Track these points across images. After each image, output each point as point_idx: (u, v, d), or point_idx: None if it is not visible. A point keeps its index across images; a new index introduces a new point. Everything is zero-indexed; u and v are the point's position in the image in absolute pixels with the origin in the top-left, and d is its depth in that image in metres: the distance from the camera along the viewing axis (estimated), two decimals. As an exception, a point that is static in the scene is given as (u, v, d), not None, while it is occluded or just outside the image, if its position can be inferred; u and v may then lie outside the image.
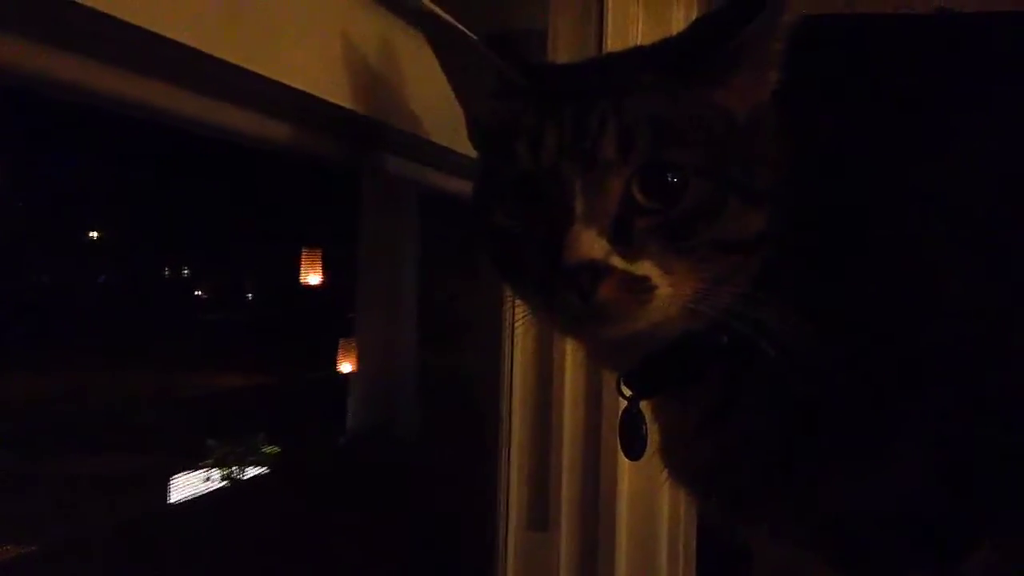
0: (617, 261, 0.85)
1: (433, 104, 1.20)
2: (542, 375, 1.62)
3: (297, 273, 8.75)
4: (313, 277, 8.59)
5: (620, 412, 1.11)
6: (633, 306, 0.86)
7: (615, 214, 0.86)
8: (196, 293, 25.50)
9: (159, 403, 8.90)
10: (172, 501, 6.54)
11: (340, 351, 6.98)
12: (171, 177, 13.86)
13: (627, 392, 1.08)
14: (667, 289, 0.86)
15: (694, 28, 0.99)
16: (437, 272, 4.58)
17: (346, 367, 6.60)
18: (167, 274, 25.23)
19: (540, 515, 1.61)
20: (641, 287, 0.85)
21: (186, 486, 6.71)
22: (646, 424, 1.09)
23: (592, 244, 0.85)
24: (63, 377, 9.86)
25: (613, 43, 1.54)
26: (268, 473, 6.75)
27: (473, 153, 1.07)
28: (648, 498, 1.63)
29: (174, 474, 6.81)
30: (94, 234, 21.50)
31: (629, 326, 0.88)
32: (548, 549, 1.60)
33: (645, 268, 0.86)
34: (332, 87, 1.05)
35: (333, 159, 1.26)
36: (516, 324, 1.08)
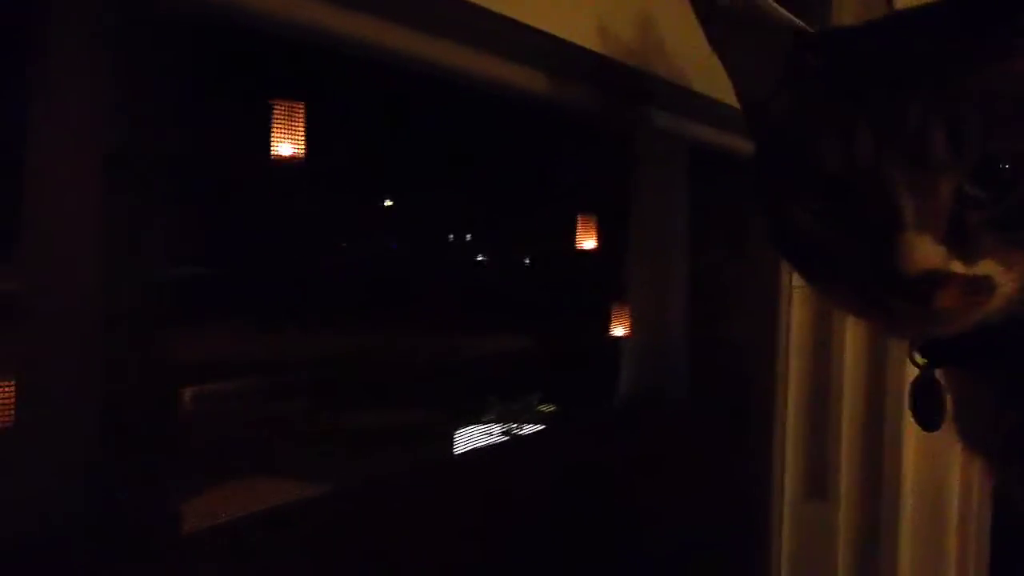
0: (957, 266, 0.78)
1: (701, 53, 1.17)
2: (819, 339, 1.55)
3: (573, 239, 8.90)
4: (588, 242, 8.72)
5: (912, 380, 1.03)
6: (973, 307, 0.80)
7: (948, 215, 0.79)
8: (478, 258, 26.67)
9: (446, 362, 9.39)
10: (456, 452, 6.90)
11: (613, 315, 7.04)
12: (457, 146, 14.48)
13: (920, 360, 1.01)
14: (1009, 284, 0.79)
15: None
16: (707, 235, 4.49)
17: (619, 331, 6.65)
18: (452, 240, 26.56)
19: (819, 484, 1.55)
20: (982, 287, 0.79)
21: (469, 439, 7.06)
22: (944, 392, 1.01)
23: (928, 252, 0.78)
24: (359, 337, 10.65)
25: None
26: (544, 430, 6.96)
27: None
28: (936, 467, 1.52)
29: (458, 428, 7.18)
30: (388, 202, 23.00)
31: (964, 324, 0.82)
32: (827, 520, 1.54)
33: (986, 267, 0.79)
34: (600, 38, 1.04)
35: (606, 117, 1.27)
36: (793, 289, 1.03)
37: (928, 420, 1.02)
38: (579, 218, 8.63)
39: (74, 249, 2.59)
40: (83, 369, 2.66)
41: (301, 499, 4.13)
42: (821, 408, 1.55)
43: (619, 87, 1.18)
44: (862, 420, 1.51)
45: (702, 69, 1.23)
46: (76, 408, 2.64)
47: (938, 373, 1.01)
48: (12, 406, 2.71)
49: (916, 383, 1.02)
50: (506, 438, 7.04)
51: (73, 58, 2.55)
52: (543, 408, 7.56)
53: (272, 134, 3.82)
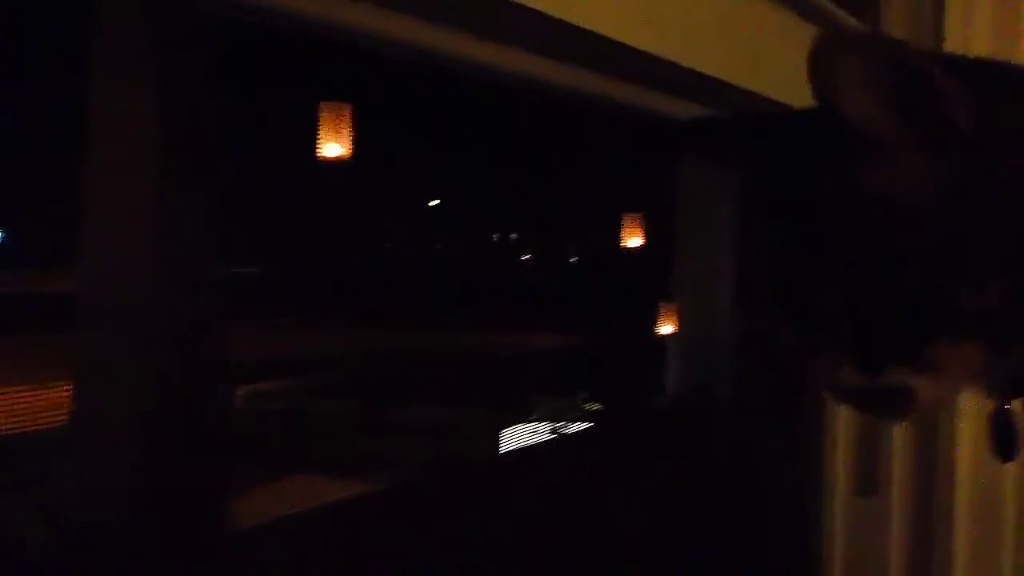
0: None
1: (746, 48, 1.17)
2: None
3: (619, 236, 8.87)
4: (634, 240, 8.68)
5: (989, 413, 1.01)
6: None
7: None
8: (523, 258, 26.69)
9: (491, 360, 9.42)
10: (503, 451, 6.91)
11: (660, 313, 7.02)
12: (502, 146, 14.50)
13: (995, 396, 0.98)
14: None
15: None
16: (753, 234, 4.45)
17: (666, 329, 6.63)
18: (496, 239, 26.60)
19: (869, 480, 1.53)
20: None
21: (516, 438, 7.07)
22: (1020, 424, 0.98)
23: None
24: (406, 335, 10.72)
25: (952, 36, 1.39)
26: (590, 428, 6.95)
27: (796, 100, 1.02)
28: (990, 461, 1.49)
29: (504, 427, 7.19)
30: (435, 202, 23.11)
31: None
32: (878, 515, 1.52)
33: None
34: (645, 36, 1.05)
35: (650, 113, 1.27)
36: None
37: (1006, 452, 1.00)
38: (625, 216, 8.60)
39: (128, 251, 2.64)
40: (137, 368, 2.71)
41: (348, 497, 4.17)
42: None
43: (664, 83, 1.18)
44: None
45: (747, 64, 1.22)
46: (130, 407, 2.70)
47: (1016, 404, 0.99)
48: (69, 405, 2.78)
49: (992, 417, 1.00)
50: (552, 436, 7.05)
51: (124, 64, 2.60)
52: (589, 406, 7.55)
53: (319, 135, 3.85)
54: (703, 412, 4.58)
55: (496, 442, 7.02)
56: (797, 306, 0.78)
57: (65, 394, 2.82)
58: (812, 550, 1.60)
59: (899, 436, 1.51)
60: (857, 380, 0.75)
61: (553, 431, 7.13)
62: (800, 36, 0.99)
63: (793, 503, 1.86)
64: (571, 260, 24.11)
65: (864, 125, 0.73)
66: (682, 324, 5.28)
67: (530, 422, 7.24)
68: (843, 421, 1.55)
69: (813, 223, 0.76)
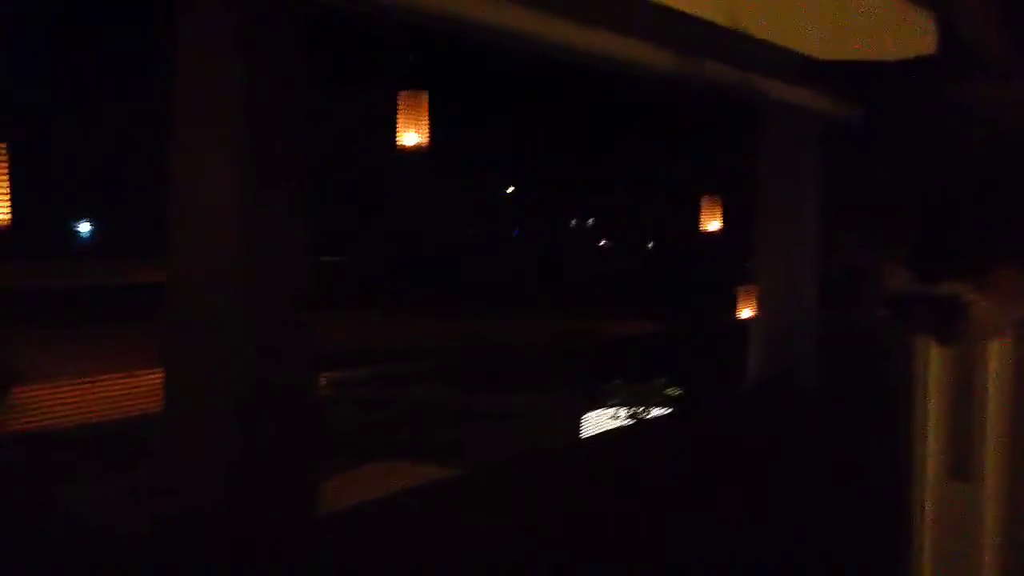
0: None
1: (832, 20, 1.15)
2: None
3: (697, 221, 8.76)
4: (713, 224, 8.56)
5: None
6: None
7: None
8: (601, 243, 26.59)
9: (570, 346, 9.41)
10: (583, 436, 6.92)
11: (740, 298, 6.93)
12: (578, 130, 14.45)
13: None
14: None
15: None
16: (839, 217, 4.35)
17: (746, 314, 6.54)
18: (574, 225, 26.55)
19: (962, 464, 1.49)
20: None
21: (596, 423, 7.06)
22: None
23: None
24: (484, 322, 10.78)
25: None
26: (670, 414, 6.91)
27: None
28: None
29: (584, 413, 7.19)
30: (510, 189, 23.15)
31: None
32: (972, 501, 1.48)
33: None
34: (727, 11, 1.03)
35: (732, 93, 1.25)
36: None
37: None
38: (703, 199, 8.49)
39: (214, 242, 2.70)
40: (224, 357, 2.78)
41: (431, 483, 4.22)
42: (965, 386, 1.49)
43: (746, 61, 1.16)
44: (1009, 394, 1.44)
45: (834, 37, 1.19)
46: (218, 395, 2.77)
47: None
48: (161, 392, 2.86)
49: None
50: (632, 422, 7.03)
51: (209, 54, 2.66)
52: (670, 391, 7.50)
53: (398, 123, 3.89)
54: (787, 397, 4.52)
55: (576, 428, 7.02)
56: (879, 217, 0.79)
57: (157, 381, 2.91)
58: (904, 535, 1.56)
59: (993, 420, 1.47)
60: (917, 288, 0.76)
61: (632, 416, 7.10)
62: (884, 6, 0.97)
63: (885, 488, 1.82)
64: (649, 245, 23.91)
65: (979, 47, 0.75)
66: (763, 309, 5.21)
67: (610, 408, 7.23)
68: (935, 405, 1.51)
69: (928, 147, 0.77)
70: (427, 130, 4.01)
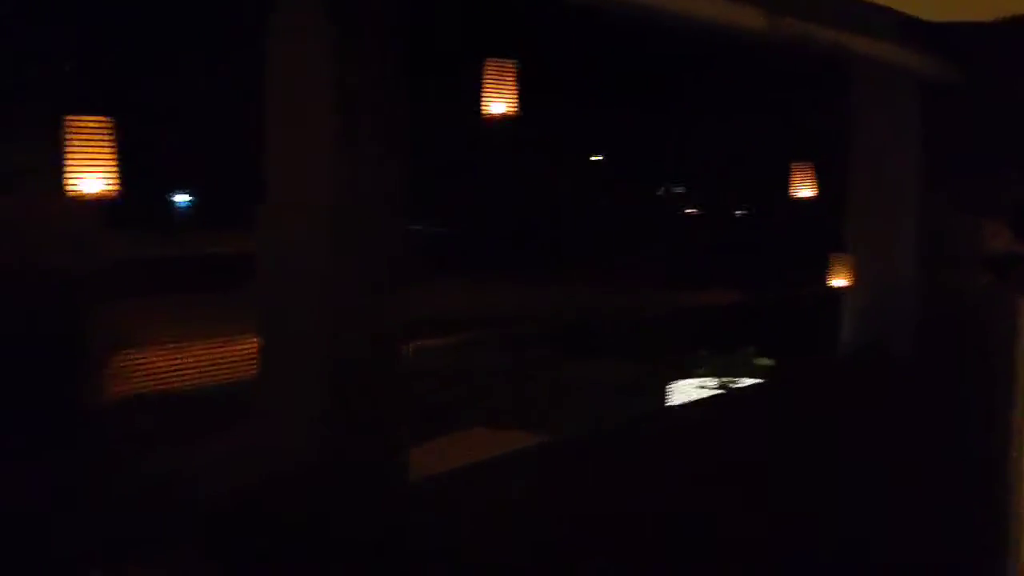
0: None
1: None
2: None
3: (788, 188, 8.57)
4: (805, 191, 8.36)
5: None
6: None
7: None
8: (689, 211, 26.25)
9: (658, 315, 9.35)
10: (670, 405, 6.87)
11: (832, 267, 6.77)
12: (664, 96, 14.25)
13: None
14: None
15: None
16: (940, 183, 4.20)
17: (839, 283, 6.40)
18: (661, 193, 26.25)
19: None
20: None
21: (683, 393, 7.01)
22: None
23: None
24: (572, 291, 10.77)
25: None
26: (760, 384, 6.81)
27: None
28: None
29: (672, 381, 7.14)
30: (597, 156, 22.99)
31: None
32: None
33: None
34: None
35: (825, 52, 1.22)
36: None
37: None
38: (795, 165, 8.29)
39: (308, 214, 2.75)
40: (317, 325, 2.84)
41: (522, 449, 4.26)
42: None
43: (843, 20, 1.13)
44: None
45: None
46: (311, 361, 2.83)
47: None
48: (256, 359, 2.94)
49: None
50: (720, 391, 6.95)
51: (302, 23, 2.70)
52: (759, 362, 7.39)
53: (484, 92, 3.88)
54: (883, 367, 4.41)
55: (664, 397, 6.98)
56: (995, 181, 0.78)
57: (252, 348, 2.99)
58: (1001, 509, 1.52)
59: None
60: (1021, 248, 0.75)
61: (721, 386, 7.02)
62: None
63: (982, 465, 1.77)
64: (738, 213, 23.53)
65: None
66: (858, 276, 5.08)
67: (697, 377, 7.16)
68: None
69: None
70: (515, 99, 3.99)
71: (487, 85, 3.99)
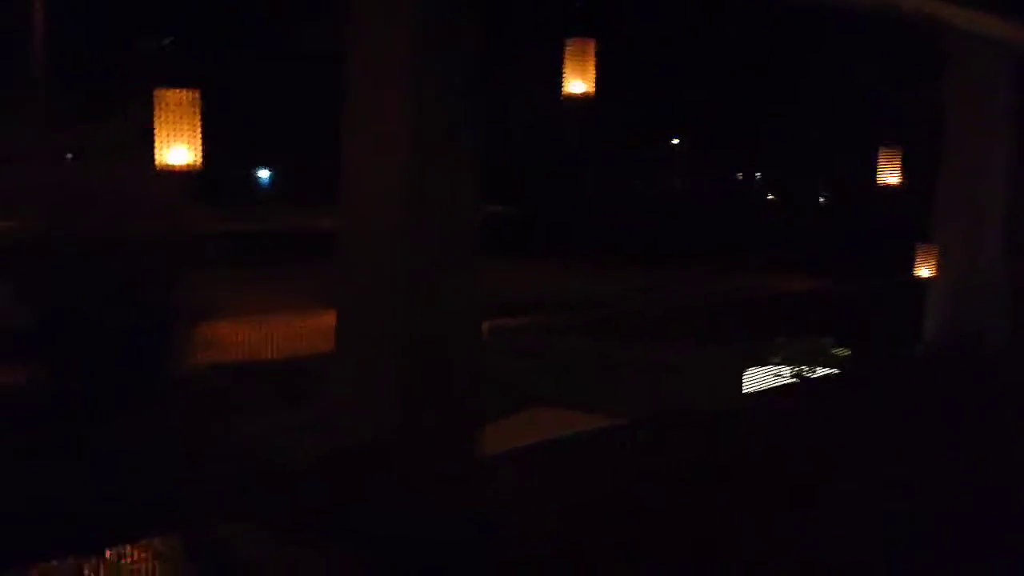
0: None
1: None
2: None
3: (874, 174, 8.35)
4: (891, 177, 8.15)
5: None
6: None
7: None
8: (769, 197, 25.78)
9: (734, 301, 9.24)
10: (745, 392, 6.79)
11: (919, 255, 6.59)
12: (745, 82, 14.00)
13: None
14: None
15: None
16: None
17: (923, 272, 6.23)
18: (740, 178, 25.85)
19: None
20: None
21: (757, 380, 6.92)
22: None
23: None
24: (648, 274, 10.70)
25: None
26: (837, 374, 6.68)
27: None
28: None
29: (746, 368, 7.05)
30: (675, 140, 22.74)
31: None
32: None
33: None
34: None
35: (924, 24, 1.17)
36: None
37: None
38: (882, 151, 8.06)
39: (387, 193, 2.77)
40: (393, 300, 2.86)
41: (590, 429, 4.24)
42: None
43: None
44: None
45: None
46: (387, 336, 2.86)
47: None
48: (335, 333, 2.98)
49: None
50: (795, 380, 6.84)
51: (381, 5, 2.71)
52: (837, 351, 7.25)
53: (564, 72, 3.86)
54: (970, 360, 4.27)
55: (735, 384, 6.90)
56: None
57: (329, 321, 3.03)
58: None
59: None
60: None
61: (796, 375, 6.91)
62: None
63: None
64: (820, 199, 23.06)
65: None
66: (945, 267, 4.93)
67: (773, 365, 7.06)
68: None
69: None
70: (594, 79, 3.96)
71: (567, 64, 3.96)
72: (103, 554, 2.58)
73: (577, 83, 4.12)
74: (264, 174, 21.67)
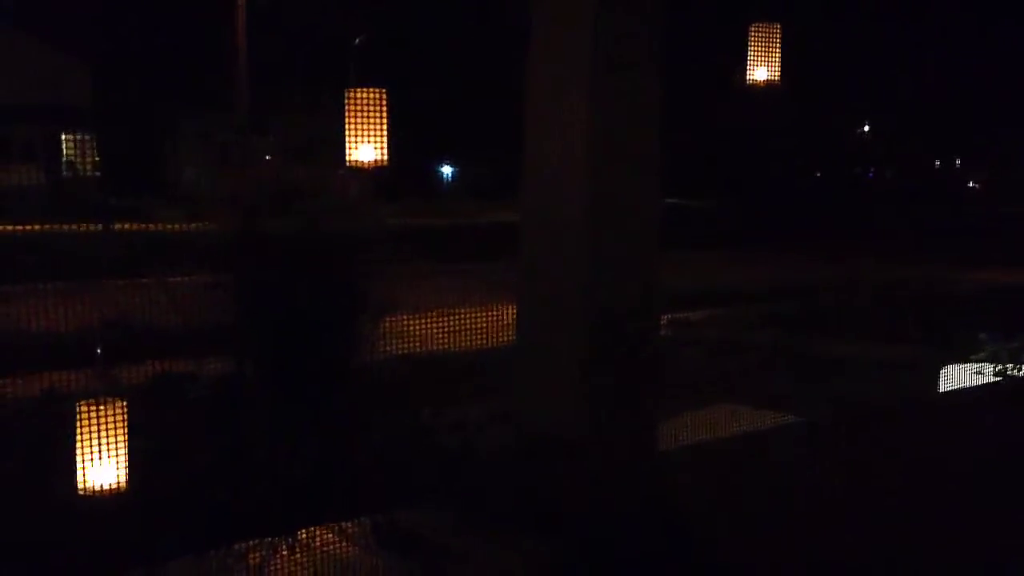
0: None
1: None
2: None
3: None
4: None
5: None
6: None
7: None
8: (971, 185, 24.29)
9: (932, 294, 8.77)
10: (942, 390, 6.45)
11: None
12: (941, 62, 13.21)
13: None
14: None
15: None
16: None
17: None
18: (938, 166, 24.45)
19: None
20: None
21: (957, 378, 6.55)
22: None
23: None
24: (838, 266, 10.29)
25: None
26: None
27: None
28: None
29: (945, 365, 6.69)
30: (865, 127, 21.76)
31: None
32: None
33: None
34: None
35: None
36: None
37: None
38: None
39: (567, 190, 2.79)
40: (574, 295, 2.87)
41: (774, 427, 4.13)
42: None
43: None
44: None
45: None
46: (573, 329, 2.87)
47: None
48: (517, 326, 3.03)
49: None
50: (999, 379, 6.43)
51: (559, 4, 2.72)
52: (1047, 351, 6.77)
53: (749, 59, 3.76)
54: None
55: (936, 381, 6.55)
56: None
57: (510, 316, 3.09)
58: None
59: None
60: None
61: (1000, 374, 6.49)
62: None
63: None
64: (1027, 186, 21.54)
65: None
66: None
67: (975, 362, 6.66)
68: None
69: None
70: (779, 65, 3.84)
71: (752, 50, 3.87)
72: (296, 535, 2.71)
73: (761, 70, 4.01)
74: (446, 169, 22.25)
